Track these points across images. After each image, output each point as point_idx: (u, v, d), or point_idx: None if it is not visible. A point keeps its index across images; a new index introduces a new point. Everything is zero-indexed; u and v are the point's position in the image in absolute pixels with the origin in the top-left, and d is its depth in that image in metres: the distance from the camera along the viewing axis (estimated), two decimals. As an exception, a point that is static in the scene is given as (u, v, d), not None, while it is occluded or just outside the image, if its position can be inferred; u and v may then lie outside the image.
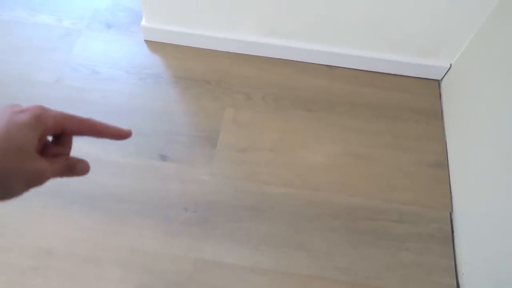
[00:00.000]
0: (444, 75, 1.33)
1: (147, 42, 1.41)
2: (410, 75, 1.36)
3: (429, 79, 1.36)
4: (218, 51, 1.39)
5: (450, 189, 1.15)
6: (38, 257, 1.02)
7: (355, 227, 1.09)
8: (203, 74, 1.34)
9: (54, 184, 1.14)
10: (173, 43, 1.40)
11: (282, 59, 1.38)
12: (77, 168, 0.40)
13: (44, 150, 0.37)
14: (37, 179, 0.34)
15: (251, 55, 1.38)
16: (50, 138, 0.39)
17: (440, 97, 1.32)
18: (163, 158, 1.17)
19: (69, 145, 0.39)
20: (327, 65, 1.37)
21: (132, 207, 1.09)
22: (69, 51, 1.38)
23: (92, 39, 1.42)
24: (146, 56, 1.38)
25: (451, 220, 1.11)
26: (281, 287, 1.01)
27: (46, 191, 1.10)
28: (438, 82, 1.35)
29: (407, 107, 1.30)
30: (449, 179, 1.17)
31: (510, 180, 0.87)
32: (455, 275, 1.03)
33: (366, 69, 1.37)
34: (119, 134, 0.41)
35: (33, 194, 1.15)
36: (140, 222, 1.07)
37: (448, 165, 1.19)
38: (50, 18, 1.46)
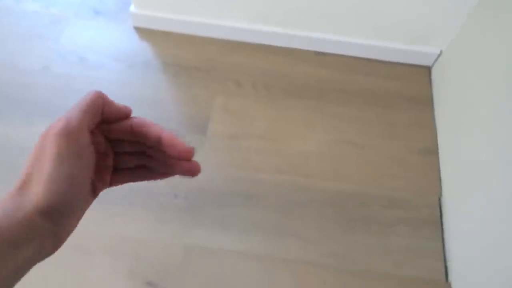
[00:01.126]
0: (435, 61, 1.33)
1: (136, 29, 1.39)
2: (402, 62, 1.36)
3: (420, 65, 1.36)
4: (209, 38, 1.38)
5: (440, 175, 1.16)
6: (28, 245, 1.01)
7: (346, 213, 1.09)
8: (193, 61, 1.33)
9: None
10: (162, 29, 1.38)
11: (273, 46, 1.37)
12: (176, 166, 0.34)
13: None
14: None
15: (242, 42, 1.37)
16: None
17: (431, 84, 1.33)
18: (153, 145, 1.16)
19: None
20: (318, 52, 1.37)
21: (122, 194, 1.09)
22: (56, 38, 1.36)
23: (80, 26, 1.40)
24: (135, 43, 1.36)
25: (440, 205, 1.12)
26: (272, 273, 1.01)
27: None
28: (429, 69, 1.36)
29: (398, 94, 1.30)
30: (439, 165, 1.18)
31: (498, 165, 0.88)
32: (443, 257, 1.04)
33: (358, 56, 1.36)
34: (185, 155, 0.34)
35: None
36: (130, 210, 1.07)
37: (438, 151, 1.20)
38: (37, 5, 1.44)
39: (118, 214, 1.06)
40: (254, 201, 1.10)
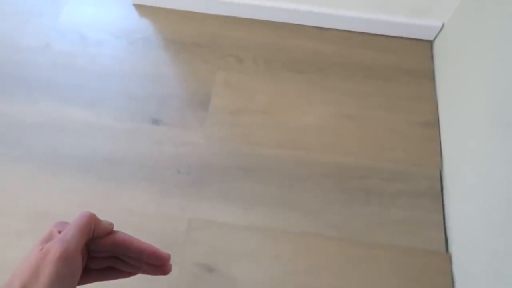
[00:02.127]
0: (437, 35, 1.32)
1: (136, 5, 1.38)
2: (403, 36, 1.35)
3: (421, 39, 1.35)
4: (208, 14, 1.37)
5: (441, 148, 1.16)
6: (34, 219, 1.03)
7: (347, 186, 1.11)
8: (194, 37, 1.32)
9: (48, 148, 1.15)
10: (162, 6, 1.37)
11: (273, 21, 1.36)
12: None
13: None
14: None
15: (242, 17, 1.36)
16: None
17: (432, 58, 1.32)
18: (156, 121, 1.17)
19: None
20: (318, 27, 1.36)
21: (126, 170, 1.10)
22: (56, 16, 1.35)
23: (79, 3, 1.39)
24: (135, 20, 1.36)
25: (441, 178, 1.13)
26: (274, 243, 1.03)
27: (40, 157, 1.10)
28: (430, 43, 1.35)
29: (399, 68, 1.29)
30: (440, 137, 1.18)
31: (499, 138, 0.88)
32: (443, 229, 1.06)
33: (358, 31, 1.35)
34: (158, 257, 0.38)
35: (27, 159, 1.16)
36: (134, 185, 1.08)
37: (438, 124, 1.20)
38: (36, -18, 1.43)
39: (123, 189, 1.08)
40: (256, 175, 1.11)
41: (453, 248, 1.03)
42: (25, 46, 1.28)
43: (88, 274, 0.38)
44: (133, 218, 1.04)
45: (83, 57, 1.27)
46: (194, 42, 1.31)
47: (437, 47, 1.32)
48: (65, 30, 1.32)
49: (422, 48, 1.34)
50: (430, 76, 1.28)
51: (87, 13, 1.36)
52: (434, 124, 1.20)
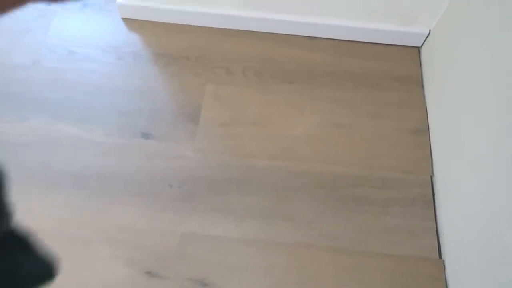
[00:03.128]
0: (424, 41, 1.34)
1: (124, 20, 1.39)
2: (391, 43, 1.36)
3: (409, 46, 1.36)
4: (197, 26, 1.37)
5: (431, 154, 1.17)
6: (26, 239, 1.03)
7: (339, 195, 1.11)
8: (183, 50, 1.32)
9: (38, 165, 1.14)
10: (150, 20, 1.38)
11: (261, 32, 1.37)
12: None
13: None
14: None
15: (230, 29, 1.37)
16: None
17: (421, 64, 1.33)
18: (146, 136, 1.17)
19: None
20: (307, 37, 1.37)
21: (118, 186, 1.10)
22: (44, 32, 1.35)
23: (67, 19, 1.39)
24: (123, 34, 1.36)
25: (432, 184, 1.13)
26: (268, 256, 1.03)
27: (30, 174, 1.10)
28: (418, 49, 1.36)
29: (388, 75, 1.30)
30: (430, 144, 1.19)
31: (489, 143, 0.89)
32: (436, 236, 1.06)
33: (346, 39, 1.36)
34: None
35: (17, 177, 1.15)
36: (126, 200, 1.08)
37: (428, 131, 1.21)
38: (23, -1, 1.43)
39: (115, 204, 1.08)
40: (248, 187, 1.11)
41: (446, 255, 1.03)
42: (15, 64, 1.28)
43: None
44: (125, 233, 1.04)
45: (72, 72, 1.27)
46: (183, 55, 1.31)
47: (425, 53, 1.33)
48: (53, 46, 1.32)
49: (410, 55, 1.35)
50: (418, 83, 1.29)
51: (75, 28, 1.37)
52: (424, 130, 1.21)
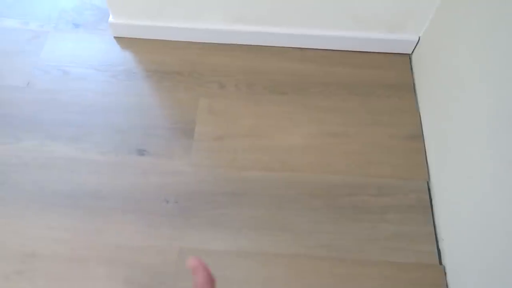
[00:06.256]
0: (414, 48, 1.35)
1: (117, 38, 1.40)
2: (381, 51, 1.37)
3: (400, 53, 1.37)
4: (188, 42, 1.38)
5: (426, 159, 1.17)
6: (22, 260, 1.02)
7: (336, 204, 1.10)
8: (175, 66, 1.33)
9: (33, 186, 1.14)
10: (142, 37, 1.39)
11: (251, 45, 1.38)
12: None
13: None
14: None
15: (221, 43, 1.38)
16: None
17: (412, 71, 1.34)
18: (141, 152, 1.17)
19: None
20: (297, 48, 1.38)
21: (113, 204, 1.10)
22: (37, 53, 1.36)
23: (60, 40, 1.40)
24: (116, 52, 1.37)
25: (429, 189, 1.13)
26: (266, 268, 1.02)
27: (25, 196, 1.10)
28: (408, 56, 1.37)
29: (380, 83, 1.31)
30: (425, 149, 1.19)
31: (483, 145, 0.89)
32: (435, 241, 1.06)
33: (337, 49, 1.37)
34: None
35: (12, 199, 1.15)
36: (122, 218, 1.08)
37: (423, 136, 1.21)
38: (16, 21, 1.44)
39: (111, 223, 1.07)
40: (244, 200, 1.10)
41: (447, 260, 1.02)
42: (9, 86, 1.29)
43: None
44: (122, 252, 1.03)
45: (66, 92, 1.28)
46: (175, 71, 1.32)
47: (415, 60, 1.34)
48: (47, 67, 1.33)
49: (401, 62, 1.36)
50: (410, 89, 1.30)
51: (68, 49, 1.38)
52: (418, 136, 1.21)
